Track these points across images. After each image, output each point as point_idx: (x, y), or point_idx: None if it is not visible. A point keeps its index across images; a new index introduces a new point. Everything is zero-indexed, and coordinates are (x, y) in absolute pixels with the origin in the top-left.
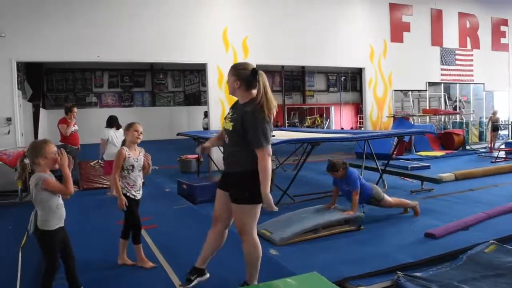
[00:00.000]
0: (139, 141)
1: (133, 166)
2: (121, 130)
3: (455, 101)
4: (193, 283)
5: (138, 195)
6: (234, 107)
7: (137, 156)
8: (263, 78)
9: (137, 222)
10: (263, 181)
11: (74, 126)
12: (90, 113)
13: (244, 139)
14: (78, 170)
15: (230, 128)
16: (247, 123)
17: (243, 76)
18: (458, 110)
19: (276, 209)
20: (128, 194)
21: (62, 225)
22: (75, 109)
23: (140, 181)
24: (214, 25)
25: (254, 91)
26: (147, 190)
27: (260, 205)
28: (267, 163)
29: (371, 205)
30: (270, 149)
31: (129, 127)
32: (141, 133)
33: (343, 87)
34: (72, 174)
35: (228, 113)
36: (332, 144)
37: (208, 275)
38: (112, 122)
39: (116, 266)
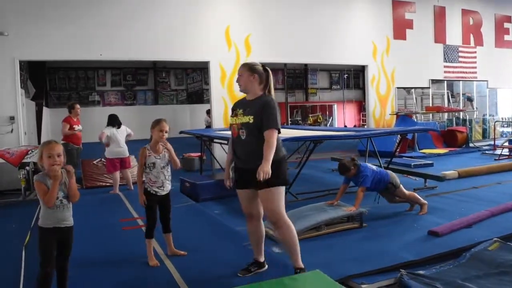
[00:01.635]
0: (163, 140)
1: (154, 163)
2: (122, 128)
3: (469, 99)
4: (251, 274)
5: (161, 191)
6: (242, 104)
7: (159, 153)
8: (271, 75)
9: (154, 217)
10: (268, 155)
11: (78, 125)
12: (93, 111)
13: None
14: (81, 168)
15: (251, 121)
16: (265, 111)
17: (258, 70)
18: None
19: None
20: (149, 190)
21: (61, 226)
22: (78, 106)
23: (163, 178)
24: (216, 23)
25: (261, 87)
26: None
27: (284, 188)
28: (275, 141)
29: (387, 192)
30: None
31: (155, 125)
32: (166, 132)
33: (346, 85)
34: (76, 173)
35: (236, 110)
36: (335, 142)
37: (266, 266)
38: (113, 121)
39: (118, 265)
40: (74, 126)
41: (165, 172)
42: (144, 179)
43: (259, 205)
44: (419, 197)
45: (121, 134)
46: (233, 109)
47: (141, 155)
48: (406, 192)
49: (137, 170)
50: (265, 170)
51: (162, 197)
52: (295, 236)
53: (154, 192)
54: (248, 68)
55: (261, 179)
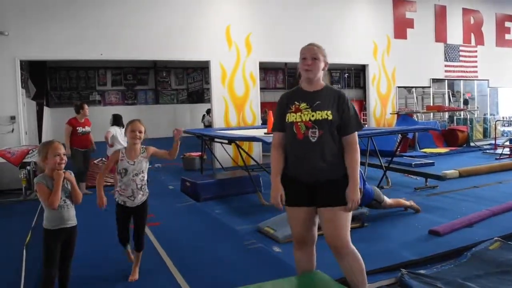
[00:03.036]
0: (137, 142)
1: (126, 170)
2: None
3: (465, 102)
4: None
5: (129, 202)
6: (302, 95)
7: (134, 159)
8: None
9: (120, 230)
10: (357, 173)
11: (84, 127)
12: (94, 111)
13: (337, 131)
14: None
15: (330, 118)
16: (345, 107)
17: (327, 58)
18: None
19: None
20: (117, 199)
21: (66, 226)
22: (86, 106)
23: (134, 187)
24: (217, 23)
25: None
26: (150, 188)
27: None
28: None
29: (371, 207)
30: None
31: (127, 125)
32: (139, 132)
33: (347, 84)
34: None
35: (296, 104)
36: None
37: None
38: (118, 120)
39: (119, 265)
40: (78, 128)
41: (137, 180)
42: (118, 187)
43: (314, 228)
44: (403, 201)
45: (123, 133)
46: (287, 103)
47: (112, 156)
48: (390, 201)
49: (102, 170)
50: (356, 198)
51: (133, 210)
52: (363, 267)
53: (122, 203)
54: (324, 52)
55: (351, 209)
